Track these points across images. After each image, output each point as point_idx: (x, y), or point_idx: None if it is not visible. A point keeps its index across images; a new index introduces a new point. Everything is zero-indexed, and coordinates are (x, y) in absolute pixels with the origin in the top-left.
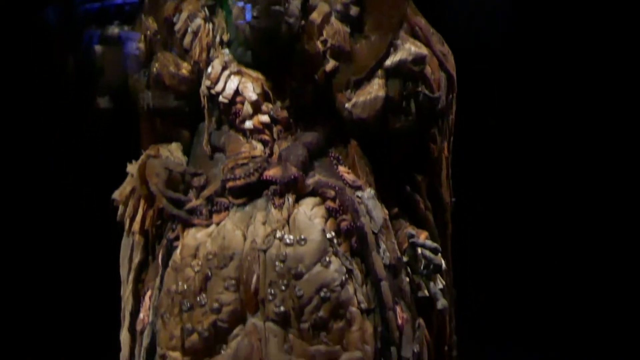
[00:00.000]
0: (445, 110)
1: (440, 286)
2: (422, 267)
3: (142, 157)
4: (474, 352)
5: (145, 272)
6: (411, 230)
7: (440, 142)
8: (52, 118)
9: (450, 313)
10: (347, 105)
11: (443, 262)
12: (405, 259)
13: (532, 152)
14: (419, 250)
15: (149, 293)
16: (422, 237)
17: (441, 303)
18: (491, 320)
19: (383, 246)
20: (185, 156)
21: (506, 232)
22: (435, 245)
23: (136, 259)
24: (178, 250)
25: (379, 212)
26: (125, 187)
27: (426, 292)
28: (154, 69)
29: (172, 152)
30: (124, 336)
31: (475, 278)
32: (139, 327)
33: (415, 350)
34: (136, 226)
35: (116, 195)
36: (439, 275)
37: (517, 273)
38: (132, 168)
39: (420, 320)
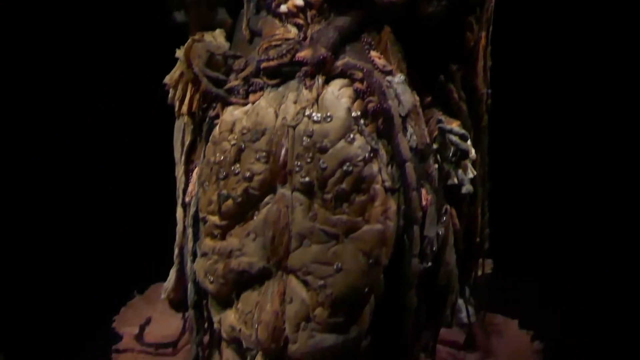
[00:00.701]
0: None
1: (471, 175)
2: (450, 154)
3: (188, 41)
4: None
5: (194, 153)
6: (441, 116)
7: (477, 32)
8: None
9: (484, 206)
10: None
11: (472, 150)
12: (435, 146)
13: None
14: (448, 136)
15: (196, 169)
16: (455, 125)
17: (466, 188)
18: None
19: (410, 130)
20: (227, 42)
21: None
22: (463, 131)
23: (187, 141)
24: (217, 126)
25: (408, 97)
26: (175, 71)
27: (455, 180)
28: None
29: (216, 38)
30: (178, 212)
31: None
32: (187, 199)
33: (440, 232)
34: (184, 108)
35: (167, 79)
36: (470, 165)
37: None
38: (179, 53)
39: (448, 207)
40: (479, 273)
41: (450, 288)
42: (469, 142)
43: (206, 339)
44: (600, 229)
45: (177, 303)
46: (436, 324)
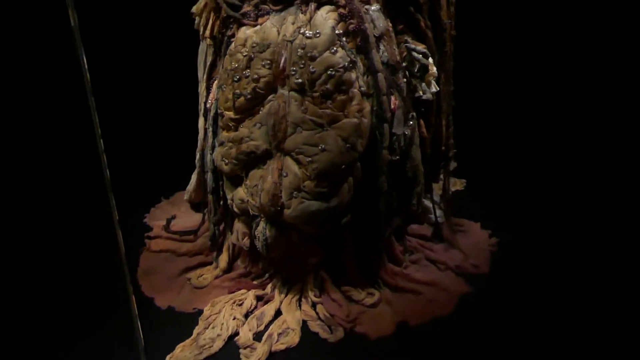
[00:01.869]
0: None
1: (434, 89)
2: (416, 70)
3: None
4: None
5: (215, 70)
6: (408, 38)
7: None
8: None
9: (449, 120)
10: None
11: (434, 67)
12: (404, 63)
13: None
14: (412, 53)
15: (216, 82)
16: (420, 47)
17: (426, 96)
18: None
19: (383, 48)
20: None
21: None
22: (425, 50)
23: (208, 60)
24: (233, 43)
25: (382, 22)
26: (200, 1)
27: (420, 92)
28: None
29: None
30: (200, 121)
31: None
32: (208, 105)
33: (407, 133)
34: (207, 32)
35: (194, 9)
36: (433, 82)
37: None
38: None
39: (414, 114)
40: (453, 188)
41: (416, 180)
42: (430, 60)
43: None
44: (564, 160)
45: (197, 204)
46: (405, 210)
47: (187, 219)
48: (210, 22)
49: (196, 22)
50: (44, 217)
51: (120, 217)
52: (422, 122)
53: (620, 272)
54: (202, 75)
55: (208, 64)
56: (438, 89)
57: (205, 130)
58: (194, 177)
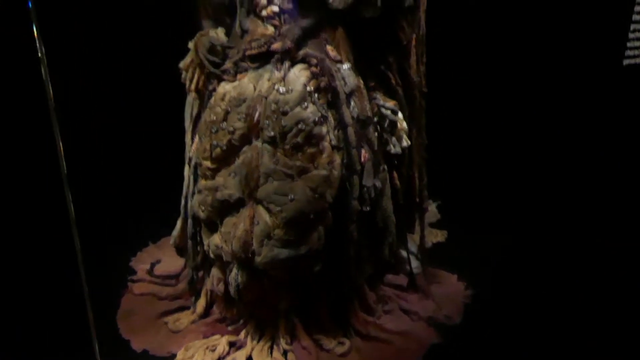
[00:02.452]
0: (413, 8)
1: (405, 144)
2: (386, 124)
3: (197, 36)
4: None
5: (199, 122)
6: (378, 95)
7: (409, 33)
8: None
9: (422, 172)
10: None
11: (403, 122)
12: (376, 118)
13: None
14: (381, 109)
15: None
16: (390, 104)
17: (395, 150)
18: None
19: (353, 104)
20: (226, 37)
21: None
22: (393, 106)
23: (194, 112)
24: (213, 96)
25: (352, 80)
26: (187, 58)
27: (392, 146)
28: None
29: (217, 34)
30: (185, 169)
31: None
32: (190, 155)
33: (377, 184)
34: (193, 86)
35: (181, 64)
36: (404, 136)
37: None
38: (191, 44)
39: (385, 166)
40: (434, 239)
41: (387, 230)
42: (399, 115)
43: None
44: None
45: (182, 249)
46: (376, 259)
47: (172, 263)
48: (196, 77)
49: (183, 76)
50: (9, 257)
51: (107, 259)
52: (395, 174)
53: (595, 327)
54: (188, 125)
55: (194, 115)
56: (409, 142)
57: (189, 177)
58: (179, 223)
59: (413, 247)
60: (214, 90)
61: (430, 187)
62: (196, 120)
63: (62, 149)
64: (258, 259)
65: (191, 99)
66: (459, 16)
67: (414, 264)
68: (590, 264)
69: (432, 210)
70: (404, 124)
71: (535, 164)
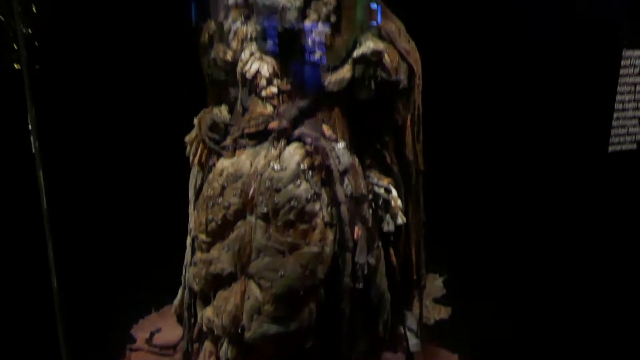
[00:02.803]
0: (407, 90)
1: (400, 221)
2: (380, 202)
3: (201, 112)
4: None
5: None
6: (372, 174)
7: (404, 113)
8: None
9: (419, 248)
10: (326, 82)
11: (398, 200)
12: (371, 196)
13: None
14: (374, 188)
15: None
16: (385, 182)
17: (388, 228)
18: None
19: (347, 182)
20: (229, 114)
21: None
22: (386, 185)
23: (197, 184)
24: (212, 171)
25: (347, 158)
26: (191, 133)
27: (386, 224)
28: (212, 54)
29: (221, 111)
30: (188, 239)
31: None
32: (190, 226)
33: (371, 262)
34: (195, 160)
35: (186, 138)
36: (400, 213)
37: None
38: (196, 120)
39: (379, 243)
40: (437, 316)
41: (382, 307)
42: (394, 193)
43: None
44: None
45: (182, 318)
46: (371, 335)
47: (172, 332)
48: (199, 151)
49: (187, 150)
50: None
51: (109, 326)
52: (391, 250)
53: None
54: (191, 196)
55: (197, 187)
56: (405, 220)
57: (189, 248)
58: (180, 292)
59: (413, 324)
60: (214, 165)
61: (437, 260)
62: (198, 192)
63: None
64: (247, 334)
65: (195, 171)
66: (454, 100)
67: (413, 341)
68: (603, 344)
69: (437, 285)
70: (399, 202)
71: (541, 241)
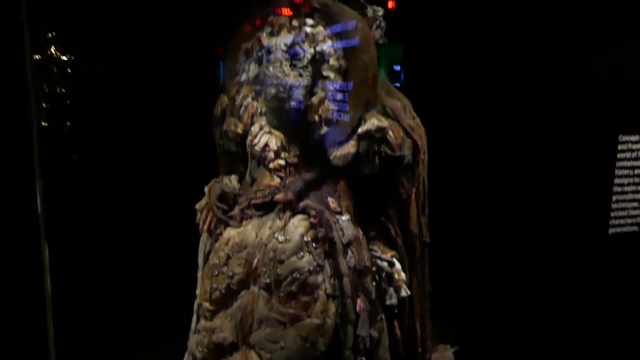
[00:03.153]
0: (412, 165)
1: (404, 294)
2: (383, 275)
3: (211, 182)
4: None
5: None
6: (375, 247)
7: (408, 188)
8: None
9: (424, 321)
10: (331, 156)
11: (401, 273)
12: (374, 268)
13: None
14: (376, 261)
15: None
16: (389, 255)
17: (390, 301)
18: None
19: (350, 254)
20: (239, 184)
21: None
22: (389, 258)
23: (206, 250)
24: (219, 240)
25: (351, 230)
26: (202, 201)
27: (389, 297)
28: (224, 127)
29: (231, 180)
30: (195, 304)
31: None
32: (197, 292)
33: (373, 334)
34: (205, 227)
35: (197, 206)
36: (404, 286)
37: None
38: (206, 189)
39: (383, 316)
40: None
41: None
42: (397, 266)
43: None
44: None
45: None
46: None
47: None
48: (209, 219)
49: (197, 217)
50: None
51: None
52: (395, 323)
53: None
54: (200, 262)
55: (206, 253)
56: (409, 292)
57: (195, 314)
58: (185, 356)
59: None
60: (221, 234)
61: (449, 331)
62: (207, 258)
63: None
64: None
65: (204, 237)
66: (461, 178)
67: None
68: None
69: (448, 357)
70: (403, 275)
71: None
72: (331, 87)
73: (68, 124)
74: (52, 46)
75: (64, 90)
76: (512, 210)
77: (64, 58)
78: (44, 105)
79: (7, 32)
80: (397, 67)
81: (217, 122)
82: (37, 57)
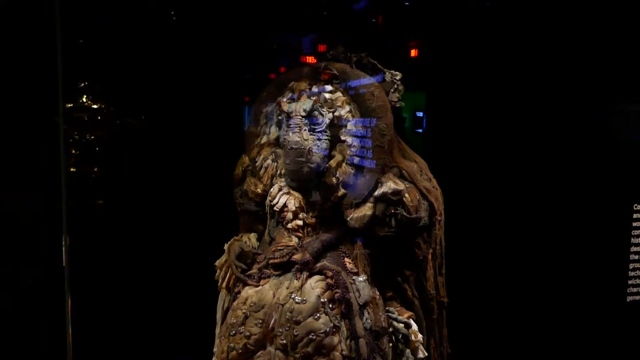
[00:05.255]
0: (428, 227)
1: (421, 355)
2: (400, 336)
3: (231, 240)
4: None
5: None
6: (392, 308)
7: (425, 249)
8: None
9: None
10: (348, 218)
11: (418, 335)
12: (390, 329)
13: None
14: (392, 322)
15: None
16: (406, 316)
17: None
18: None
19: (366, 315)
20: (258, 242)
21: None
22: (406, 320)
23: (224, 307)
24: (237, 299)
25: (367, 291)
26: (222, 258)
27: (406, 359)
28: (244, 186)
29: (250, 239)
30: None
31: None
32: (214, 350)
33: None
34: (223, 284)
35: (216, 263)
36: (421, 347)
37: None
38: (226, 246)
39: None
40: None
41: None
42: (413, 328)
43: None
44: None
45: None
46: None
47: None
48: (228, 276)
49: (216, 274)
50: None
51: None
52: None
53: None
54: (219, 318)
55: (224, 309)
56: (426, 354)
57: None
58: None
59: None
60: (239, 292)
61: None
62: (225, 315)
63: None
64: None
65: (223, 294)
66: (475, 235)
67: None
68: None
69: None
70: (420, 336)
71: None
72: (348, 151)
73: (95, 169)
74: (84, 95)
75: (92, 138)
76: (531, 279)
77: (95, 107)
78: (73, 151)
79: (42, 80)
80: (420, 114)
81: (238, 182)
82: (69, 105)
